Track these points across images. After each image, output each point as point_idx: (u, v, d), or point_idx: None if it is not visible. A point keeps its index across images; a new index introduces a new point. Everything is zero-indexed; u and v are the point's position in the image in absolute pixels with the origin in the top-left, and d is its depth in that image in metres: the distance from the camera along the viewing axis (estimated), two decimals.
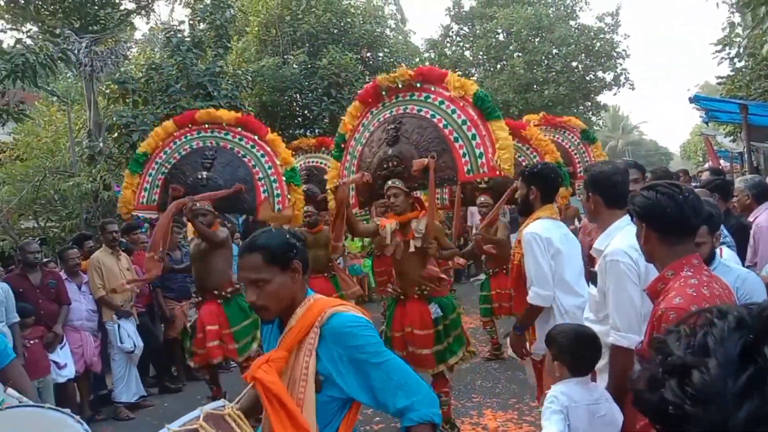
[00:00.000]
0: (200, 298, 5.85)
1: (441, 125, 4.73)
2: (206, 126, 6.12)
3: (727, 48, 11.46)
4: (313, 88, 16.56)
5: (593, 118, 25.14)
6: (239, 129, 6.12)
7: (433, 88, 4.84)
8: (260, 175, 5.95)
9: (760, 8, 6.04)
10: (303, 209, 6.18)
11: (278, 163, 5.95)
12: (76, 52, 9.87)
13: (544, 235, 3.53)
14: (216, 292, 5.69)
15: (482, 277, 6.61)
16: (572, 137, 8.52)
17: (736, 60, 12.24)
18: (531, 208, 3.74)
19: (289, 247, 2.05)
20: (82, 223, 10.76)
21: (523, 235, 3.61)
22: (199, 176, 5.86)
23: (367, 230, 5.20)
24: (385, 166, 4.87)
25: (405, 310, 4.78)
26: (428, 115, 4.80)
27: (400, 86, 4.97)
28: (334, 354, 1.96)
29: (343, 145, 5.34)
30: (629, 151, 58.87)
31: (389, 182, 4.76)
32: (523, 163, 6.62)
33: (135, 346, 6.57)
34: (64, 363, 5.90)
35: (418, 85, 4.90)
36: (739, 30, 9.82)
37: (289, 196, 5.94)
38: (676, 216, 2.05)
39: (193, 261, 5.93)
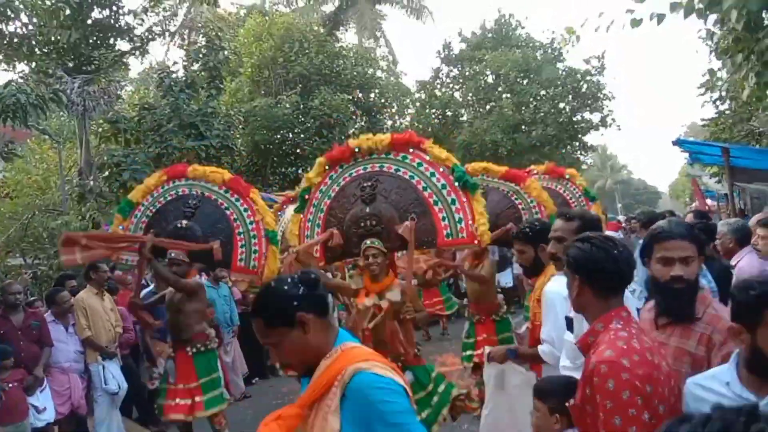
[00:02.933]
0: (173, 350, 5.80)
1: (420, 187, 4.67)
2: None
3: (709, 92, 11.74)
4: (305, 127, 16.76)
5: (581, 158, 25.47)
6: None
7: (411, 150, 4.78)
8: (240, 230, 5.87)
9: (738, 55, 6.21)
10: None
11: (260, 220, 5.90)
12: (68, 92, 9.98)
13: (566, 295, 3.40)
14: (188, 343, 5.67)
15: (467, 325, 6.48)
16: (575, 190, 8.66)
17: (718, 103, 12.52)
18: (541, 267, 3.60)
19: (288, 303, 1.87)
20: None
21: (545, 293, 3.39)
22: (179, 224, 5.82)
23: (338, 285, 5.14)
24: (362, 224, 4.73)
25: None
26: (407, 176, 4.73)
27: (376, 148, 4.88)
28: (356, 416, 1.78)
29: (306, 197, 5.16)
30: (618, 190, 59.44)
31: (368, 242, 4.58)
32: (520, 206, 6.62)
33: (119, 387, 6.48)
34: (44, 407, 5.78)
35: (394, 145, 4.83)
36: (720, 74, 10.09)
37: (266, 254, 5.86)
38: (611, 270, 2.06)
39: (168, 311, 5.87)
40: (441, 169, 4.67)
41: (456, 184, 4.62)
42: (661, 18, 5.60)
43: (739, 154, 9.15)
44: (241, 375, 8.34)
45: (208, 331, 5.88)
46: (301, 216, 5.20)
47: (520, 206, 6.54)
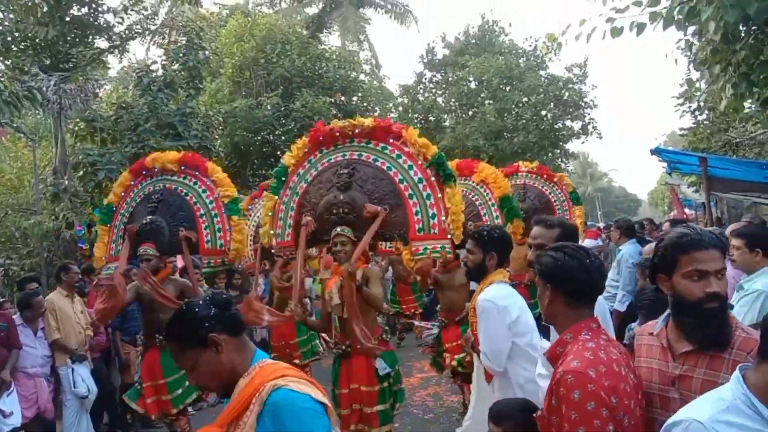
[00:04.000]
0: (144, 345, 5.81)
1: (396, 179, 4.68)
2: (156, 170, 6.07)
3: (687, 102, 11.88)
4: (286, 129, 16.66)
5: (562, 165, 25.64)
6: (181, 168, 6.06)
7: (391, 140, 4.79)
8: (201, 212, 5.84)
9: (715, 66, 6.26)
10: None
11: (218, 196, 5.85)
12: (44, 89, 9.79)
13: (501, 304, 3.28)
14: (158, 339, 5.61)
15: (435, 331, 6.45)
16: (560, 193, 8.76)
17: (697, 113, 12.67)
18: (485, 272, 3.51)
19: (199, 324, 1.90)
20: (42, 262, 10.50)
21: (477, 302, 3.36)
22: (144, 221, 5.79)
23: (320, 326, 5.23)
24: (334, 211, 4.75)
25: (351, 366, 4.63)
26: (384, 167, 4.74)
27: (356, 132, 4.87)
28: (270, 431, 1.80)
29: (283, 178, 5.15)
30: (599, 197, 60.04)
31: (338, 229, 4.62)
32: (477, 202, 6.63)
33: (89, 390, 6.36)
34: (10, 411, 5.65)
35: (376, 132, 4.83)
36: (698, 85, 10.20)
37: (228, 229, 5.81)
38: (582, 280, 2.06)
39: (141, 308, 5.86)
40: (419, 163, 4.67)
41: (432, 179, 4.61)
42: (641, 28, 5.61)
43: (717, 164, 9.25)
44: None
45: None
46: (277, 198, 5.17)
47: (477, 202, 6.57)
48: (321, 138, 4.99)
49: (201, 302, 1.97)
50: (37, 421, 6.13)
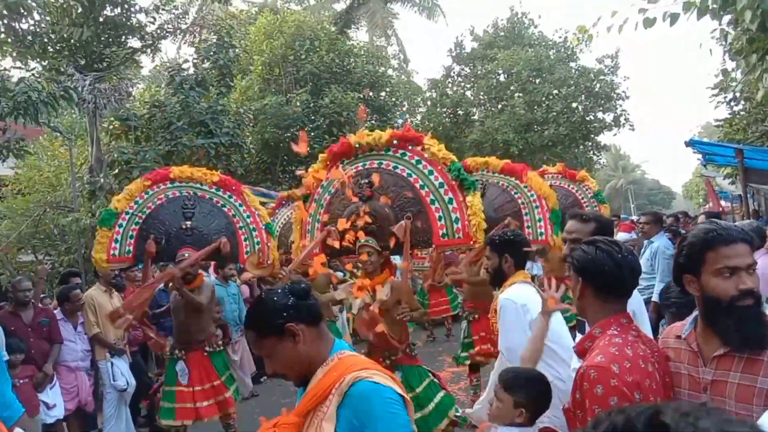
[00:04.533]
0: (182, 351, 5.77)
1: (417, 185, 4.67)
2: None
3: (723, 92, 11.62)
4: (315, 126, 16.76)
5: (594, 158, 25.30)
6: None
7: (410, 146, 4.77)
8: (240, 224, 6.01)
9: (752, 56, 6.13)
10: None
11: (256, 212, 6.01)
12: (79, 89, 10.02)
13: (520, 302, 3.31)
14: (202, 344, 5.73)
15: (464, 324, 6.40)
16: (587, 191, 8.81)
17: (732, 104, 12.38)
18: (504, 277, 3.54)
19: (277, 314, 1.90)
20: (80, 258, 10.76)
21: (498, 301, 3.40)
22: (183, 226, 5.87)
23: (330, 301, 5.32)
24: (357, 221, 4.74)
25: None
26: (404, 174, 4.73)
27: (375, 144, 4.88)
28: (351, 423, 1.78)
29: (309, 195, 5.23)
30: (632, 189, 59.08)
31: (362, 240, 4.62)
32: (519, 200, 6.59)
33: (128, 384, 6.53)
34: (54, 403, 5.83)
35: (395, 141, 4.82)
36: (734, 75, 9.98)
37: (269, 245, 5.97)
38: (613, 274, 2.04)
39: (175, 314, 5.91)
40: (439, 167, 4.66)
41: (453, 182, 4.60)
42: (674, 18, 5.52)
43: (753, 156, 9.03)
44: (249, 373, 8.36)
45: (217, 332, 6.05)
46: (305, 207, 5.25)
47: (519, 200, 6.51)
48: (339, 153, 5.03)
49: (279, 291, 1.98)
50: (78, 413, 6.32)
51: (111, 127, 12.27)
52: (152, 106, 12.54)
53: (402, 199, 4.73)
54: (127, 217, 5.97)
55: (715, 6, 5.47)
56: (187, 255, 5.70)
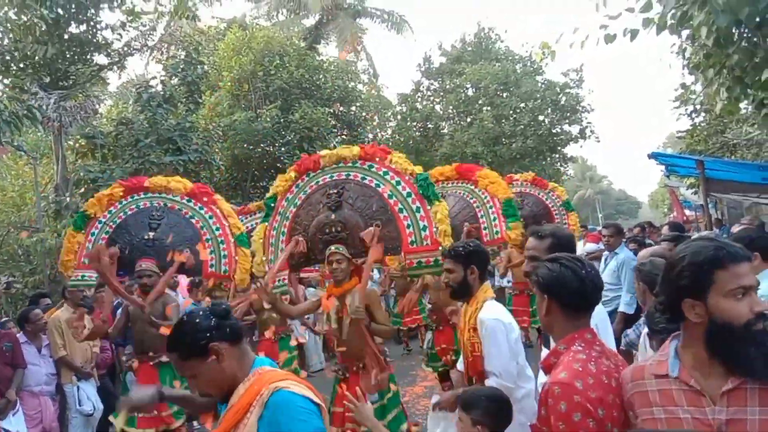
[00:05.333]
0: (136, 361, 5.73)
1: (386, 195, 4.76)
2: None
3: (683, 105, 11.94)
4: (285, 141, 16.73)
5: (561, 169, 25.69)
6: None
7: (377, 159, 4.88)
8: (207, 236, 5.93)
9: (709, 70, 6.32)
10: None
11: (227, 224, 5.94)
12: (44, 107, 9.86)
13: (506, 320, 3.28)
14: (152, 354, 5.63)
15: (428, 335, 6.44)
16: (556, 199, 9.03)
17: (693, 116, 12.73)
18: (469, 290, 3.44)
19: (200, 334, 1.96)
20: (45, 279, 10.54)
21: (481, 321, 3.27)
22: (146, 237, 5.80)
23: (306, 310, 5.26)
24: (327, 231, 4.81)
25: (349, 386, 4.59)
26: (372, 184, 4.82)
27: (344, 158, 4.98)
28: (269, 431, 1.89)
29: (273, 206, 5.24)
30: (599, 200, 60.05)
31: (332, 248, 4.69)
32: (474, 204, 6.68)
33: (95, 408, 6.37)
34: (16, 430, 5.67)
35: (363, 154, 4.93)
36: (693, 88, 10.27)
37: (236, 258, 5.91)
38: (578, 290, 2.08)
39: (133, 322, 5.82)
40: (406, 177, 4.76)
41: (421, 192, 4.69)
42: (634, 34, 5.67)
43: (714, 166, 9.29)
44: None
45: None
46: (266, 224, 5.26)
47: (474, 204, 6.62)
48: (307, 169, 5.12)
49: (201, 313, 2.04)
50: None
51: (77, 145, 12.10)
52: (119, 123, 12.41)
53: (371, 208, 4.80)
54: (99, 225, 5.93)
55: (672, 22, 5.64)
56: (144, 266, 5.65)
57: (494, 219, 6.58)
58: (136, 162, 11.49)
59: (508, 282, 9.38)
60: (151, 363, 5.66)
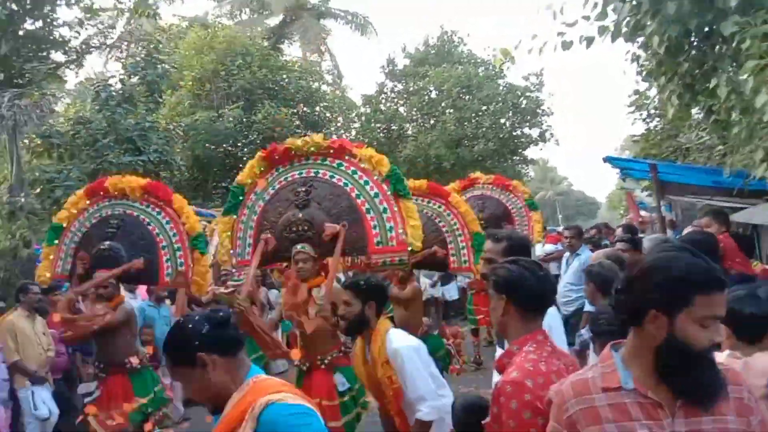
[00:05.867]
0: (104, 374, 5.53)
1: (353, 194, 4.80)
2: (116, 193, 6.00)
3: (638, 110, 12.27)
4: (248, 141, 16.60)
5: (522, 171, 26.08)
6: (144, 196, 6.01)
7: (346, 157, 4.90)
8: (164, 243, 5.82)
9: (661, 78, 6.52)
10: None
11: (183, 230, 5.85)
12: None
13: (415, 344, 3.40)
14: (123, 365, 5.48)
15: None
16: (517, 201, 9.12)
17: (648, 120, 13.08)
18: (366, 323, 3.49)
19: (189, 343, 1.89)
20: None
21: (396, 351, 3.32)
22: (101, 246, 5.68)
23: (276, 322, 5.41)
24: (294, 229, 4.81)
25: (312, 381, 4.64)
26: (341, 183, 4.86)
27: (313, 150, 4.97)
28: None
29: (241, 198, 5.19)
30: (559, 201, 61.09)
31: (298, 246, 4.70)
32: (443, 228, 6.69)
33: (50, 412, 6.25)
34: None
35: (331, 150, 4.95)
36: (647, 93, 10.55)
37: (191, 264, 5.80)
38: (536, 291, 2.16)
39: (101, 332, 5.60)
40: (375, 177, 4.80)
41: (389, 192, 4.73)
42: (590, 41, 5.82)
43: (667, 170, 9.56)
44: (180, 397, 8.14)
45: (141, 350, 5.77)
46: (234, 217, 5.21)
47: (443, 228, 6.65)
48: (276, 157, 5.07)
49: (197, 318, 1.96)
50: None
51: (32, 144, 11.79)
52: (76, 122, 12.17)
53: (338, 207, 4.83)
54: (70, 235, 5.90)
55: (626, 30, 5.80)
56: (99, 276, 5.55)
57: (463, 247, 6.60)
58: (93, 162, 11.28)
59: (466, 279, 9.50)
60: (124, 374, 5.47)
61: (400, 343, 3.37)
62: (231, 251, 5.22)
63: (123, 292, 5.99)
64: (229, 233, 5.20)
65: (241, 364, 1.96)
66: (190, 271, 5.75)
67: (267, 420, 1.79)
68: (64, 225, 5.91)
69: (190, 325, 1.93)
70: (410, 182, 7.04)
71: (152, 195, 5.96)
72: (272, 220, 5.00)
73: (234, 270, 6.98)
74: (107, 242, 5.71)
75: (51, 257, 5.86)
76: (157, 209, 5.92)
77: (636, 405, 1.61)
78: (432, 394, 3.31)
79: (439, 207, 6.73)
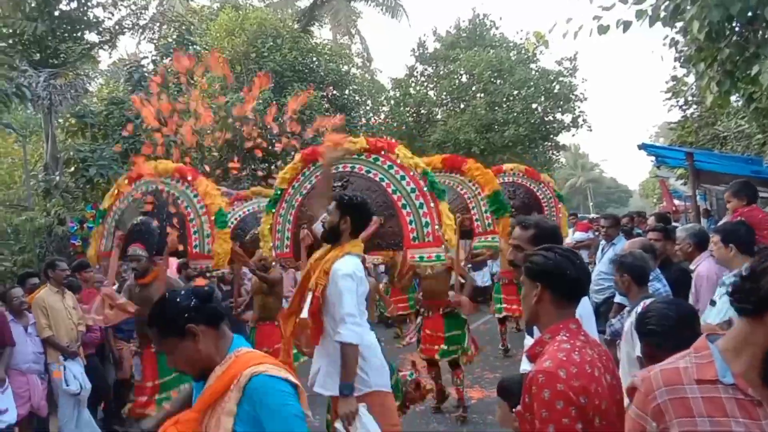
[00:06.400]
0: (138, 347, 5.80)
1: (390, 190, 4.78)
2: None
3: (675, 97, 11.99)
4: (277, 124, 16.65)
5: (553, 157, 25.75)
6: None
7: (383, 152, 4.89)
8: (191, 216, 5.98)
9: (700, 64, 6.34)
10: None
11: (209, 203, 6.00)
12: (34, 85, 9.78)
13: (359, 275, 3.55)
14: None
15: (418, 320, 6.56)
16: (546, 191, 9.14)
17: (684, 107, 12.79)
18: (338, 237, 3.67)
19: (179, 315, 2.02)
20: (35, 258, 10.50)
21: (334, 270, 3.52)
22: (135, 221, 5.90)
23: None
24: None
25: None
26: (377, 178, 4.84)
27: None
28: (249, 416, 1.92)
29: (279, 194, 5.33)
30: (590, 188, 60.29)
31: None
32: (465, 195, 6.73)
33: (81, 387, 6.38)
34: (5, 408, 5.67)
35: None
36: (685, 80, 10.29)
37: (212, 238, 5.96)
38: (573, 279, 2.11)
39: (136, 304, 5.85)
40: (411, 173, 4.78)
41: (425, 188, 4.72)
42: (627, 25, 5.68)
43: (703, 159, 9.36)
44: None
45: None
46: (273, 212, 5.33)
47: (465, 195, 6.67)
48: (313, 158, 5.15)
49: (183, 292, 2.10)
50: (31, 418, 6.17)
51: (67, 124, 12.00)
52: (110, 103, 12.30)
53: (374, 202, 4.84)
54: (113, 214, 6.17)
55: (665, 14, 5.64)
56: (134, 251, 5.71)
57: (486, 211, 6.62)
58: (126, 142, 11.42)
59: (496, 271, 9.50)
60: (152, 349, 5.67)
61: (345, 267, 3.51)
62: (270, 245, 5.34)
63: None
64: (269, 227, 5.31)
65: (224, 336, 2.09)
66: (212, 242, 5.94)
67: (252, 389, 1.92)
68: (107, 207, 6.22)
69: (179, 299, 2.07)
70: (425, 159, 7.07)
71: (181, 176, 6.10)
72: (309, 215, 5.05)
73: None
74: (140, 217, 5.90)
75: (97, 240, 6.22)
76: (185, 183, 6.06)
77: (733, 401, 1.53)
78: (355, 318, 3.43)
79: (458, 175, 6.75)
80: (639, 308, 3.61)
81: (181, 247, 6.04)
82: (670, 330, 2.52)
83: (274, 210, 5.33)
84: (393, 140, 5.13)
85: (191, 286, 2.21)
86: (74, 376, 6.32)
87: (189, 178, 6.05)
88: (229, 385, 1.94)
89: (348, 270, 3.50)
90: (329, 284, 3.52)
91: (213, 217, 5.91)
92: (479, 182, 6.65)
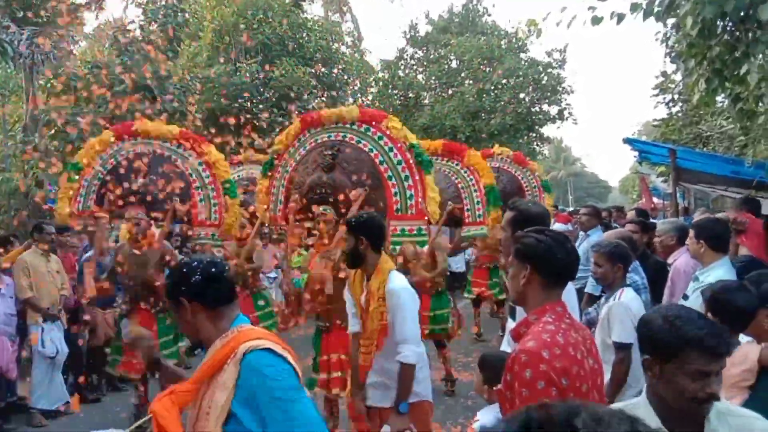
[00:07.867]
0: (131, 307, 5.76)
1: (377, 161, 4.85)
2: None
3: (662, 93, 12.08)
4: (264, 98, 16.48)
5: (537, 148, 25.84)
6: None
7: (373, 122, 4.95)
8: (197, 184, 5.96)
9: (690, 60, 6.38)
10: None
11: (215, 171, 5.98)
12: (15, 43, 9.55)
13: (411, 290, 3.52)
14: (149, 303, 5.65)
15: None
16: (532, 179, 9.17)
17: (671, 104, 12.89)
18: (362, 258, 3.59)
19: (176, 285, 2.03)
20: (10, 221, 10.34)
21: (393, 291, 3.44)
22: (134, 186, 5.83)
23: None
24: (317, 191, 4.95)
25: (330, 338, 4.80)
26: (366, 149, 4.92)
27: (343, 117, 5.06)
28: (244, 391, 1.89)
29: (276, 161, 5.37)
30: (571, 182, 60.73)
31: (321, 209, 4.82)
32: (459, 185, 6.78)
33: (58, 351, 6.34)
34: None
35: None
36: (673, 77, 10.37)
37: (225, 206, 5.99)
38: (563, 262, 2.13)
39: (129, 267, 5.80)
40: (399, 145, 4.84)
41: (411, 161, 4.74)
42: (621, 17, 5.68)
43: (686, 156, 9.46)
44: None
45: None
46: (269, 175, 5.41)
47: (459, 185, 6.72)
48: (312, 124, 5.21)
49: (194, 264, 2.05)
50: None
51: (49, 85, 11.75)
52: (94, 66, 12.06)
53: (361, 172, 4.89)
54: (93, 172, 5.97)
55: (659, 9, 5.66)
56: (140, 215, 5.66)
57: (477, 202, 6.67)
58: (108, 108, 11.21)
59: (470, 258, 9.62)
60: (151, 311, 5.73)
61: (399, 284, 3.48)
62: (264, 207, 5.40)
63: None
64: (264, 192, 5.39)
65: (227, 317, 2.04)
66: (224, 210, 5.93)
67: (246, 364, 1.89)
68: (85, 163, 5.95)
69: (185, 270, 2.04)
70: (426, 143, 7.06)
71: (185, 143, 6.05)
72: (299, 181, 5.14)
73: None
74: (140, 179, 5.84)
75: (69, 196, 5.94)
76: (189, 150, 6.00)
77: None
78: (416, 339, 3.43)
79: (456, 164, 6.78)
80: (618, 297, 3.68)
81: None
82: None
83: (269, 173, 5.38)
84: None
85: (209, 260, 2.09)
86: (51, 339, 6.27)
87: (194, 144, 6.02)
88: (226, 360, 1.93)
89: (401, 285, 3.47)
90: (391, 307, 3.44)
91: (221, 186, 5.92)
92: (476, 174, 6.71)
